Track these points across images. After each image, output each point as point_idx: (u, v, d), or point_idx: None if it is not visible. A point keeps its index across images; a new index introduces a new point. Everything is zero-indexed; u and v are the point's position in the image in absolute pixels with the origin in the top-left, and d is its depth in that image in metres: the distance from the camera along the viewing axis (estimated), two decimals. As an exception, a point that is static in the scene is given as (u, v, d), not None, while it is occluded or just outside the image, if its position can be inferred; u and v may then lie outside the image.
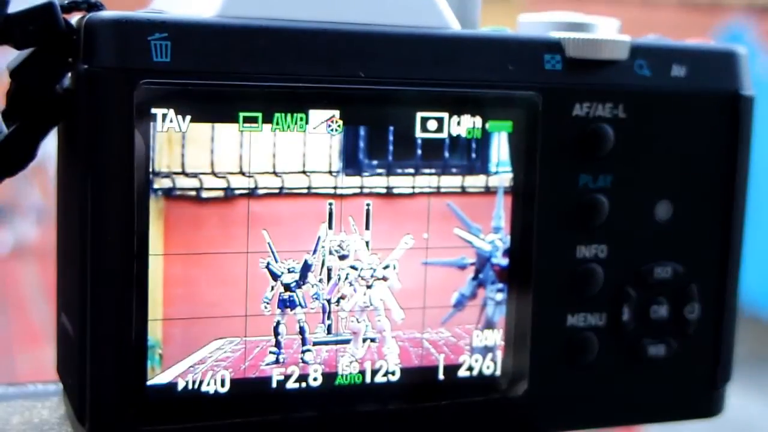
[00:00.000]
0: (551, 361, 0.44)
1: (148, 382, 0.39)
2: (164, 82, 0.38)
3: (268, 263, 0.41)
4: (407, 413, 0.43)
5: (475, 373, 0.44)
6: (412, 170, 0.42)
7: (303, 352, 0.41)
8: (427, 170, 0.42)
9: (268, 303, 0.41)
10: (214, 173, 0.39)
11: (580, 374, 0.45)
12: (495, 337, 0.44)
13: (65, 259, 0.43)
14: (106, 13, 0.38)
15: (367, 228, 0.42)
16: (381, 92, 0.41)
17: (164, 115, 0.38)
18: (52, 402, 0.47)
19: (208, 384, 0.40)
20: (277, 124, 0.40)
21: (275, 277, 0.41)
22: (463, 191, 0.43)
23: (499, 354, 0.44)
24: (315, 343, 0.42)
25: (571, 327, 0.45)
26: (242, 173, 0.40)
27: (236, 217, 0.40)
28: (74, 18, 0.40)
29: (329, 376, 0.42)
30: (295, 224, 0.41)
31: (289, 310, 0.41)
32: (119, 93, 0.38)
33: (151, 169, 0.38)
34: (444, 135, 0.42)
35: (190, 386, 0.40)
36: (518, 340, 0.44)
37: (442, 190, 0.42)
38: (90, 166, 0.38)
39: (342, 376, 0.42)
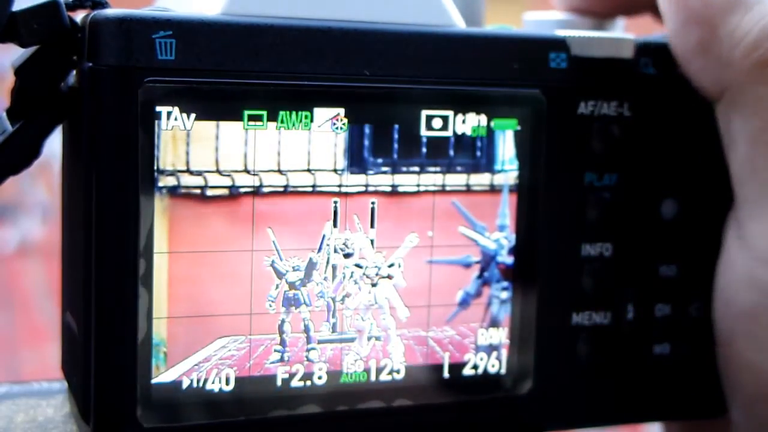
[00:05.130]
0: (556, 360, 0.44)
1: (153, 381, 0.39)
2: (169, 80, 0.38)
3: (273, 261, 0.40)
4: (412, 411, 0.43)
5: (480, 371, 0.44)
6: (417, 168, 0.42)
7: (308, 350, 0.41)
8: (432, 168, 0.42)
9: (272, 301, 0.41)
10: (218, 171, 0.39)
11: (585, 373, 0.45)
12: (500, 336, 0.44)
13: (70, 258, 0.43)
14: (110, 11, 0.38)
15: (372, 226, 0.42)
16: (386, 90, 0.41)
17: (169, 113, 0.38)
18: (57, 400, 0.47)
19: (213, 382, 0.40)
20: (282, 122, 0.40)
21: (280, 275, 0.41)
22: (468, 189, 0.43)
23: (504, 352, 0.44)
24: (320, 342, 0.42)
25: (575, 325, 0.45)
26: (247, 171, 0.40)
27: (241, 215, 0.40)
28: (79, 16, 0.40)
29: (334, 375, 0.42)
30: (299, 222, 0.41)
31: (293, 308, 0.41)
32: (123, 91, 0.38)
33: (155, 167, 0.38)
34: (449, 133, 0.42)
35: (194, 384, 0.40)
36: (523, 338, 0.44)
37: (447, 188, 0.42)
38: (94, 164, 0.38)
39: (347, 374, 0.42)
